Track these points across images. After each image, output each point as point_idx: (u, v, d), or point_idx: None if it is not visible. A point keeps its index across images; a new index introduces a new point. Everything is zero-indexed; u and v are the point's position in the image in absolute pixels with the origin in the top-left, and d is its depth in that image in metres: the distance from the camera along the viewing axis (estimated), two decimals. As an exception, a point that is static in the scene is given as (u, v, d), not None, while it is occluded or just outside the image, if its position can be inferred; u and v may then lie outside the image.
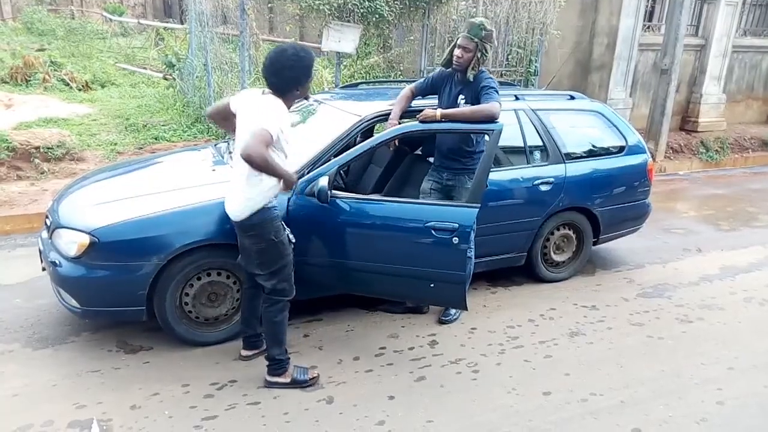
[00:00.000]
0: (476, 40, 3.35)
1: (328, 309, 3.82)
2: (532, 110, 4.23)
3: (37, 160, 5.99)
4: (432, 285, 3.23)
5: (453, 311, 3.79)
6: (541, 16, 7.95)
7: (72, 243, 3.06)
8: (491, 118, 3.27)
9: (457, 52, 3.42)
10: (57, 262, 3.14)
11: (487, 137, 3.36)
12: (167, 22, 14.42)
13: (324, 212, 3.25)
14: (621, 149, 4.56)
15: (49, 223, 3.40)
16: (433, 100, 3.67)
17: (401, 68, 7.85)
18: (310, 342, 3.48)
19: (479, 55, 3.37)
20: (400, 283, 3.30)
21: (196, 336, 3.34)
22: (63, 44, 11.61)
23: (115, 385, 2.98)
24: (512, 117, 4.10)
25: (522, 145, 4.15)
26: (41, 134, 6.26)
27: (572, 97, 4.64)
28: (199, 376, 3.09)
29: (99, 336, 3.42)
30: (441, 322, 3.78)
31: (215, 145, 4.54)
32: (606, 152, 4.52)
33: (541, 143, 4.21)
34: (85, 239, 3.02)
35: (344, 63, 7.48)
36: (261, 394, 2.96)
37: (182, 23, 12.21)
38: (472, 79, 3.42)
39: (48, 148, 6.08)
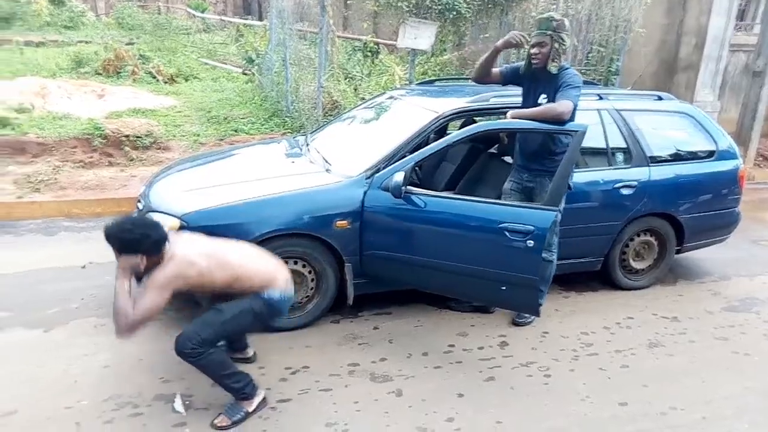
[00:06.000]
0: (549, 32, 3.27)
1: (397, 303, 3.84)
2: (617, 110, 4.08)
3: (126, 148, 6.37)
4: (503, 288, 3.16)
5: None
6: (625, 13, 7.62)
7: (163, 226, 3.22)
8: (559, 118, 3.15)
9: (533, 50, 3.34)
10: (148, 243, 3.31)
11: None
12: (246, 19, 14.94)
13: (397, 207, 3.28)
14: (711, 154, 4.32)
15: (141, 207, 3.60)
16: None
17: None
18: (379, 335, 3.52)
19: (557, 46, 3.28)
20: (471, 283, 3.26)
21: (271, 322, 3.44)
22: (150, 39, 12.21)
23: (196, 363, 3.13)
24: (595, 117, 3.97)
25: (604, 146, 4.02)
26: (131, 123, 6.65)
27: (660, 98, 4.44)
28: (274, 360, 3.19)
29: (181, 315, 3.59)
30: (515, 323, 3.72)
31: (294, 137, 4.67)
32: (694, 156, 4.29)
33: (624, 145, 4.05)
34: (176, 222, 3.18)
35: (417, 60, 7.49)
36: (332, 381, 3.03)
37: (261, 20, 12.60)
38: (555, 71, 3.31)
39: (137, 137, 6.46)
